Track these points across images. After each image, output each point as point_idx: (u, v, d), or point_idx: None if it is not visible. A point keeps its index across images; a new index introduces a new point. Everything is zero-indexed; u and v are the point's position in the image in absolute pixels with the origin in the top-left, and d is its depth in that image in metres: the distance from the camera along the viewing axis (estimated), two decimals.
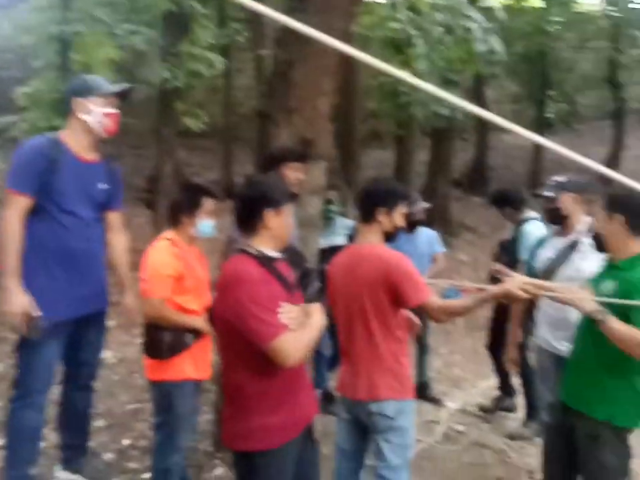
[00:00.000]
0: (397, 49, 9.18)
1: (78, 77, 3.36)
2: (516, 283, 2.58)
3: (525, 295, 2.55)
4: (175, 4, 8.62)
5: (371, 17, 8.96)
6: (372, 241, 2.83)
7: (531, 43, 14.83)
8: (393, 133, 13.25)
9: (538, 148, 15.57)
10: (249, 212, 2.39)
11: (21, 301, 2.79)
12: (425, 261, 4.85)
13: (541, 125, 16.14)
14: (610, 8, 15.69)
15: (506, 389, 4.98)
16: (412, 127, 12.08)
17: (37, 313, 2.81)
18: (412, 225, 4.63)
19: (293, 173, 3.37)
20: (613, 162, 16.03)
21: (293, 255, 3.47)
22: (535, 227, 4.50)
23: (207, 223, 3.18)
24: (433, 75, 6.76)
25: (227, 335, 2.32)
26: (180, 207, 3.17)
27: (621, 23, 15.61)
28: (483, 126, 15.67)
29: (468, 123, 16.21)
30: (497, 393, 5.13)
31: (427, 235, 5.04)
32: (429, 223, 5.17)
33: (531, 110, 17.13)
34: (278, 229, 2.39)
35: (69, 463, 3.18)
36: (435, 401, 5.08)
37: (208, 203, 3.18)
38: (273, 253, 2.40)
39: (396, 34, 7.33)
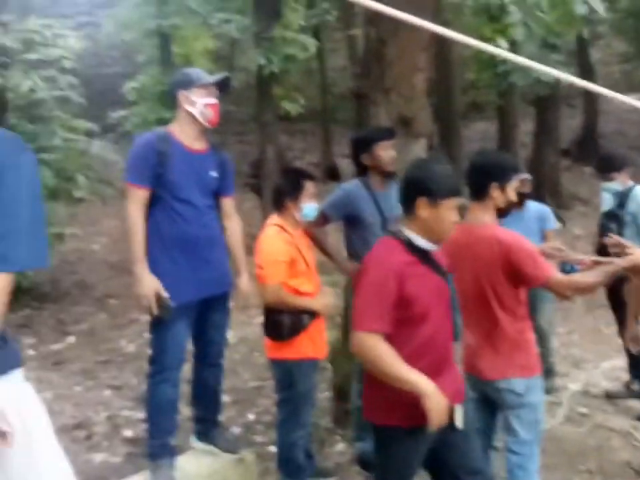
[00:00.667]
0: (491, 17, 8.81)
1: (180, 70, 3.50)
2: None
3: None
4: None
5: None
6: (485, 219, 2.72)
7: None
8: (494, 104, 12.78)
9: None
10: (405, 196, 2.35)
11: (150, 284, 3.00)
12: (535, 239, 4.58)
13: None
14: None
15: (635, 370, 4.67)
16: (513, 96, 11.59)
17: (165, 294, 3.00)
18: (520, 199, 4.43)
19: (385, 152, 3.46)
20: None
21: None
22: None
23: (310, 206, 3.25)
24: (531, 40, 6.49)
25: None
26: (283, 193, 3.26)
27: None
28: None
29: (574, 88, 15.34)
30: (625, 375, 4.84)
31: (537, 211, 4.74)
32: (537, 196, 4.91)
33: None
34: (432, 222, 2.29)
35: (203, 435, 3.38)
36: (553, 391, 4.84)
37: (309, 186, 3.25)
38: (423, 244, 2.32)
39: (488, 2, 7.07)
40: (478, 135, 15.25)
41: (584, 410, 4.47)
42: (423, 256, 2.31)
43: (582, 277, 2.62)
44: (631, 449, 3.89)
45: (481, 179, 2.71)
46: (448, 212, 2.29)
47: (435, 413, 2.14)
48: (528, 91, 11.40)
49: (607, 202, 4.49)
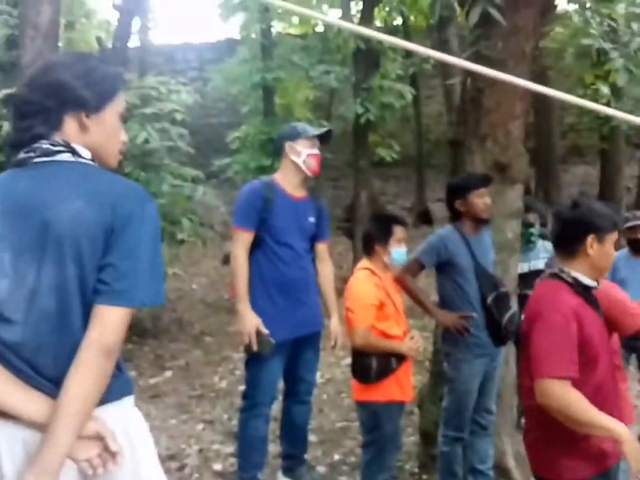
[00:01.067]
0: (593, 62, 8.62)
1: (287, 124, 3.75)
2: None
3: None
4: (364, 42, 8.98)
5: (563, 28, 8.55)
6: None
7: None
8: (596, 147, 12.39)
9: None
10: (569, 235, 2.33)
11: (252, 322, 3.19)
12: None
13: None
14: None
15: None
16: (617, 139, 11.19)
17: (265, 331, 3.17)
18: (636, 246, 4.29)
19: (480, 200, 3.46)
20: None
21: (485, 278, 3.44)
22: None
23: (399, 250, 3.32)
24: (633, 83, 6.31)
25: (529, 358, 2.27)
26: (372, 237, 3.36)
27: None
28: None
29: None
30: None
31: None
32: None
33: None
34: (598, 258, 2.28)
35: (290, 472, 3.49)
36: None
37: (398, 231, 3.33)
38: (589, 282, 2.30)
39: (590, 48, 6.98)
40: (578, 179, 14.76)
41: None
42: (588, 296, 2.29)
43: None
44: None
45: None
46: (611, 245, 2.29)
47: (635, 458, 2.06)
48: (633, 134, 10.97)
49: None
